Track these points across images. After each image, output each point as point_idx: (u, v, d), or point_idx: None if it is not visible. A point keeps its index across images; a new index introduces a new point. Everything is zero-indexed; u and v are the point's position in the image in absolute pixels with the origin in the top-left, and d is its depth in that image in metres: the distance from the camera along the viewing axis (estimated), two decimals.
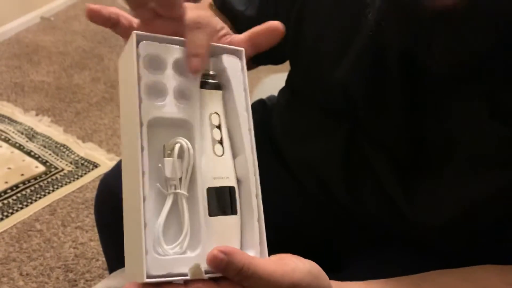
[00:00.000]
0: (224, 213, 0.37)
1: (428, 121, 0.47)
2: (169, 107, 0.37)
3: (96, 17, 0.42)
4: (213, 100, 0.40)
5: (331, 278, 0.57)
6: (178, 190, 0.36)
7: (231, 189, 0.38)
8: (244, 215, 0.38)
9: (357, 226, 0.59)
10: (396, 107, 0.48)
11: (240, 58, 0.41)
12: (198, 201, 0.36)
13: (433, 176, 0.49)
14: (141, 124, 0.36)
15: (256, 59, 0.66)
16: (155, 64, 0.38)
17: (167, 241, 0.35)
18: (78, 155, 1.56)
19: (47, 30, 2.35)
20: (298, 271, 0.35)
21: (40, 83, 1.94)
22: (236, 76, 0.41)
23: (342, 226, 0.60)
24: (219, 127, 0.40)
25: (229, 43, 0.42)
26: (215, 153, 0.39)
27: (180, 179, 0.37)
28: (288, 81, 0.66)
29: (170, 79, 0.38)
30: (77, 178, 1.47)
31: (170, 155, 0.37)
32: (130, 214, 0.37)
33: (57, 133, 1.65)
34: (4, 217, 1.31)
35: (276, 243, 0.61)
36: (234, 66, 0.41)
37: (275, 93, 0.72)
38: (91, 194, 1.42)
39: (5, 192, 1.38)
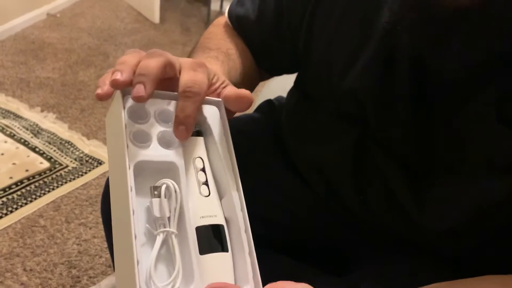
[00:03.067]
0: (215, 250, 0.38)
1: (438, 126, 0.47)
2: (154, 152, 0.40)
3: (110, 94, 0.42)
4: (196, 146, 0.42)
5: (340, 281, 0.57)
6: (168, 229, 0.37)
7: (220, 227, 0.39)
8: (235, 251, 0.39)
9: (365, 230, 0.59)
10: (406, 112, 0.48)
11: (219, 108, 0.44)
12: (188, 241, 0.37)
13: (442, 181, 0.49)
14: (128, 167, 0.38)
15: (270, 70, 0.67)
16: (139, 114, 0.41)
17: (159, 280, 0.36)
18: (82, 152, 1.56)
19: (53, 27, 2.36)
20: None
21: (45, 80, 1.94)
22: (216, 123, 0.43)
23: (350, 229, 0.60)
24: (203, 170, 0.41)
25: (219, 96, 0.45)
26: (201, 194, 0.40)
27: (169, 218, 0.38)
28: (297, 83, 0.66)
29: (154, 127, 0.41)
30: (82, 175, 1.47)
31: (157, 196, 0.38)
32: (121, 252, 0.38)
33: (62, 130, 1.66)
34: (8, 212, 1.31)
35: (282, 244, 0.62)
36: (214, 115, 0.44)
37: (283, 94, 0.72)
38: (95, 191, 1.42)
39: (9, 187, 1.38)
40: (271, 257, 0.57)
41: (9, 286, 1.13)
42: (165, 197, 0.38)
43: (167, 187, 0.38)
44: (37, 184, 1.41)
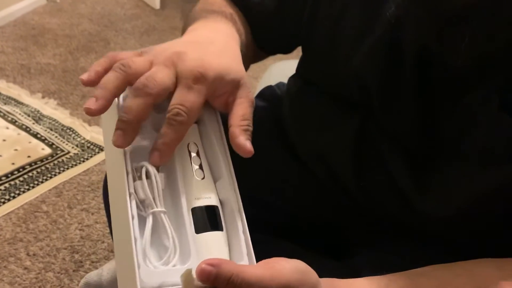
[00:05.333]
0: (210, 229, 0.39)
1: (441, 112, 0.47)
2: (149, 138, 0.41)
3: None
4: (190, 132, 0.43)
5: (340, 266, 0.57)
6: (155, 209, 0.38)
7: (215, 208, 0.40)
8: (230, 230, 0.40)
9: (366, 215, 0.59)
10: (410, 98, 0.49)
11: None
12: (184, 221, 0.39)
13: (443, 167, 0.49)
14: (125, 153, 0.40)
15: (266, 49, 0.66)
16: None
17: (156, 259, 0.37)
18: (84, 138, 1.57)
19: (53, 13, 2.34)
20: (286, 270, 0.35)
21: (46, 66, 1.94)
22: (209, 113, 0.45)
23: (350, 215, 0.61)
24: (197, 154, 0.43)
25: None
26: (196, 177, 0.41)
27: (154, 198, 0.39)
28: (299, 69, 0.66)
29: (148, 118, 0.42)
30: (83, 161, 1.48)
31: (139, 178, 0.39)
32: (119, 233, 0.40)
33: (63, 116, 1.66)
34: (11, 198, 1.32)
35: (282, 229, 0.62)
36: (206, 107, 0.44)
37: (284, 80, 0.72)
38: (97, 177, 1.43)
39: (12, 173, 1.39)
40: (271, 241, 0.58)
41: (12, 270, 1.15)
42: (146, 179, 0.39)
43: (147, 170, 0.39)
44: (39, 170, 1.42)
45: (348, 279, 0.44)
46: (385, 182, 0.54)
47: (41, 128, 1.59)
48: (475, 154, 0.46)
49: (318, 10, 0.55)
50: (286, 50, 0.68)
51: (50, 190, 1.37)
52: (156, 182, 0.39)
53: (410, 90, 0.48)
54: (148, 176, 0.40)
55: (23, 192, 1.35)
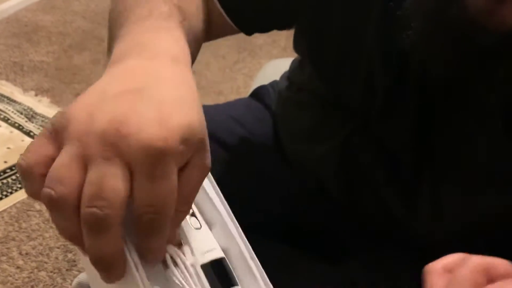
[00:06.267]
0: (227, 286, 0.34)
1: (438, 130, 0.46)
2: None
3: None
4: None
5: (332, 270, 0.57)
6: None
7: (222, 261, 0.35)
8: (245, 282, 0.35)
9: (358, 224, 0.59)
10: (409, 114, 0.47)
11: None
12: (199, 281, 0.33)
13: (434, 190, 0.48)
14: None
15: (259, 24, 0.54)
16: None
17: None
18: None
19: (46, 10, 2.33)
20: None
21: (39, 63, 1.92)
22: None
23: (343, 221, 0.60)
24: None
25: None
26: (192, 227, 0.35)
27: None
28: (291, 77, 0.64)
29: None
30: None
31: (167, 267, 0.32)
32: None
33: None
34: (3, 197, 1.31)
35: (275, 232, 0.62)
36: None
37: (278, 78, 0.72)
38: None
39: (4, 171, 1.38)
40: (265, 243, 0.57)
41: (5, 269, 1.14)
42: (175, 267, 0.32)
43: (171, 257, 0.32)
44: None
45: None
46: (374, 200, 0.53)
47: (34, 126, 1.57)
48: (469, 178, 0.45)
49: (326, 25, 0.50)
50: (281, 27, 0.57)
51: None
52: (186, 267, 0.32)
53: (410, 108, 0.47)
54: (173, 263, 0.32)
55: (16, 190, 1.34)
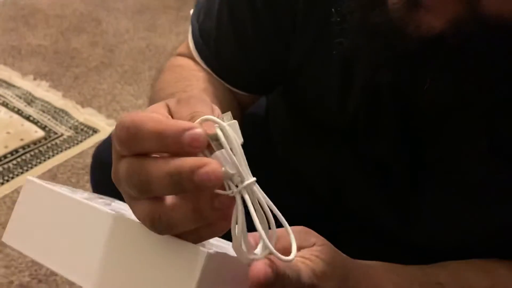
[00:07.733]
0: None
1: (428, 145, 0.46)
2: None
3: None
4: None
5: None
6: (248, 181, 0.28)
7: None
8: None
9: (355, 226, 0.59)
10: (393, 124, 0.47)
11: None
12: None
13: (424, 203, 0.48)
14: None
15: (249, 89, 0.59)
16: None
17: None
18: (77, 120, 1.55)
19: None
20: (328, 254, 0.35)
21: (37, 47, 1.91)
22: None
23: (341, 223, 0.60)
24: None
25: None
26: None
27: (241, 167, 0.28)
28: (285, 93, 0.63)
29: None
30: (77, 144, 1.46)
31: (217, 147, 0.28)
32: None
33: (56, 98, 1.64)
34: (5, 182, 1.31)
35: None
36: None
37: None
38: (91, 160, 1.42)
39: (5, 156, 1.38)
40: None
41: (8, 254, 1.14)
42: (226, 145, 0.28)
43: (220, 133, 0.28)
44: (32, 153, 1.41)
45: (360, 261, 0.41)
46: (366, 216, 0.54)
47: (33, 110, 1.57)
48: (461, 191, 0.44)
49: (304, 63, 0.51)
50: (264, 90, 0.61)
51: (44, 173, 1.36)
52: (234, 147, 0.28)
53: (392, 127, 0.47)
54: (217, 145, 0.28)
55: (17, 175, 1.34)
